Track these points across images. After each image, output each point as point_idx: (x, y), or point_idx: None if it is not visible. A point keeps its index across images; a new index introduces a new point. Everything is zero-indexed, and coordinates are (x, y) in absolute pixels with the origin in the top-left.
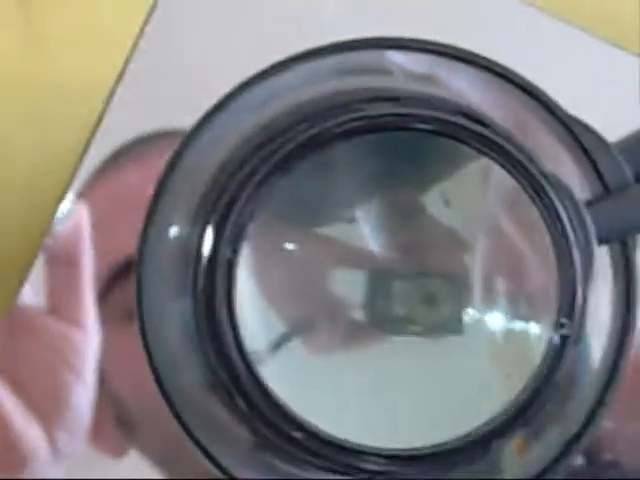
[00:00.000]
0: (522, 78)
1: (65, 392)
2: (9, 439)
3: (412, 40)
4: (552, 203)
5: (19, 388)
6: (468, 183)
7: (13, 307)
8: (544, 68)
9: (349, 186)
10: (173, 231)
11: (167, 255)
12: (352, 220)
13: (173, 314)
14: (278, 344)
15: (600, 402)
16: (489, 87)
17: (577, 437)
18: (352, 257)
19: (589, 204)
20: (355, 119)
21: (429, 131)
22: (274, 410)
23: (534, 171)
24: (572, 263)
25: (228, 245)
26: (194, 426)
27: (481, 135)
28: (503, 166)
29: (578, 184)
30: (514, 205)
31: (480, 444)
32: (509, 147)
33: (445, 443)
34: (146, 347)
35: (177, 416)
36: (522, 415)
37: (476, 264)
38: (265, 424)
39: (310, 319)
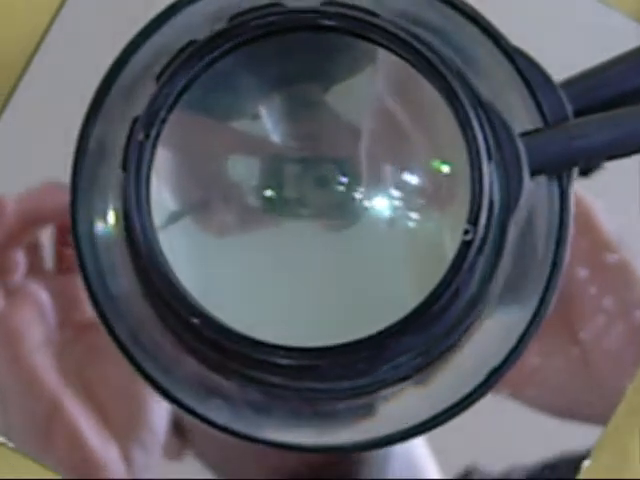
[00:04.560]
0: (472, 8)
1: (141, 408)
2: (85, 456)
3: None
4: (467, 117)
5: (95, 406)
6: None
7: None
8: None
9: (256, 84)
10: (109, 138)
11: (101, 161)
12: (256, 116)
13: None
14: (170, 221)
15: (525, 333)
16: (435, 13)
17: (499, 368)
18: (249, 145)
19: (525, 134)
20: (265, 15)
21: (338, 29)
22: (171, 292)
23: (448, 76)
24: (481, 176)
25: (141, 130)
26: (127, 339)
27: (396, 36)
28: (420, 72)
29: (523, 117)
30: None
31: (372, 344)
32: (426, 52)
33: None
34: (79, 255)
35: (108, 327)
36: (418, 319)
37: (369, 150)
38: (170, 314)
39: (206, 201)
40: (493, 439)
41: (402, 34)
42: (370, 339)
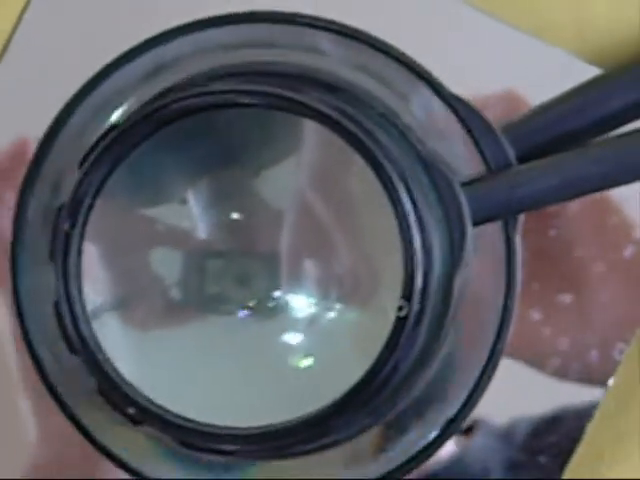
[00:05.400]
0: (408, 57)
1: None
2: None
3: (293, 15)
4: (394, 187)
5: None
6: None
7: None
8: (436, 47)
9: (183, 167)
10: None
11: (41, 228)
12: (184, 201)
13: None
14: (94, 316)
15: (478, 383)
16: (374, 63)
17: (454, 419)
18: (173, 237)
19: (467, 183)
20: (185, 97)
21: (258, 105)
22: (106, 383)
23: (371, 147)
24: (412, 253)
25: (67, 219)
26: (68, 399)
27: (317, 111)
28: (347, 143)
29: (467, 164)
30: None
31: (316, 423)
32: (350, 126)
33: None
34: (21, 321)
35: (50, 389)
36: (358, 396)
37: (290, 244)
38: (107, 401)
39: (129, 295)
40: (498, 392)
41: (323, 108)
42: (310, 420)
